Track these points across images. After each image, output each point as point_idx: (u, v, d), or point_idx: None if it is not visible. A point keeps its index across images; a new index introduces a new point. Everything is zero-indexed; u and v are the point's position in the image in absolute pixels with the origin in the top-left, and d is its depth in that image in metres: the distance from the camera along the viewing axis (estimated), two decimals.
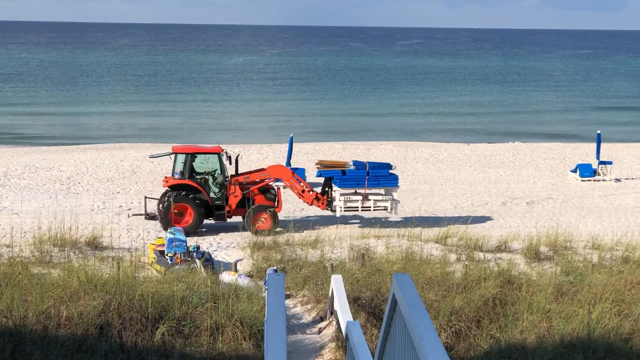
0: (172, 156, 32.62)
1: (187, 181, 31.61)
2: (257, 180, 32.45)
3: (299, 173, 40.74)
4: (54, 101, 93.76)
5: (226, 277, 23.39)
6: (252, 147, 56.46)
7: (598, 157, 45.63)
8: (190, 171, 31.86)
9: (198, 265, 24.26)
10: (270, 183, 32.95)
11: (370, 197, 32.07)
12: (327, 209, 32.67)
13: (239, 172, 32.93)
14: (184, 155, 31.93)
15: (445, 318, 18.38)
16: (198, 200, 31.46)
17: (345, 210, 32.25)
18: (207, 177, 32.32)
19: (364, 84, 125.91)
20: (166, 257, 25.20)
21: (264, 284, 22.46)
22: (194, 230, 30.90)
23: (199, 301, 18.97)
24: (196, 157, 32.22)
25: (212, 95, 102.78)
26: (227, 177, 32.29)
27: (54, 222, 26.96)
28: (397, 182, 32.74)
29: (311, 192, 32.45)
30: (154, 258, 25.49)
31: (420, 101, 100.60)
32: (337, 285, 18.34)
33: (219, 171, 32.22)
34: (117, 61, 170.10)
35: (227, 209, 31.97)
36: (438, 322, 18.14)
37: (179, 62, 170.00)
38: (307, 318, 20.55)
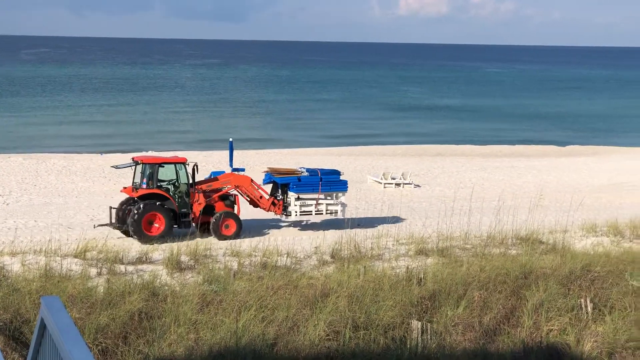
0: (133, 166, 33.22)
1: (156, 190, 32.38)
2: (219, 187, 33.98)
3: None
4: None
5: None
6: None
7: (231, 165, 46.55)
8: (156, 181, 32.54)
9: None
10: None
11: (321, 201, 34.53)
12: (282, 214, 34.75)
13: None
14: (150, 165, 32.55)
15: (92, 336, 17.78)
16: (167, 208, 32.11)
17: (300, 215, 34.52)
18: (168, 186, 33.06)
19: None
20: None
21: None
22: (164, 237, 31.20)
23: None
24: (163, 166, 32.95)
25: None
26: (192, 185, 33.14)
27: None
28: (347, 187, 35.57)
29: (268, 198, 34.49)
30: None
31: (49, 110, 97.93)
32: None
33: (182, 180, 33.12)
34: None
35: (191, 216, 32.88)
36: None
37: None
38: None
